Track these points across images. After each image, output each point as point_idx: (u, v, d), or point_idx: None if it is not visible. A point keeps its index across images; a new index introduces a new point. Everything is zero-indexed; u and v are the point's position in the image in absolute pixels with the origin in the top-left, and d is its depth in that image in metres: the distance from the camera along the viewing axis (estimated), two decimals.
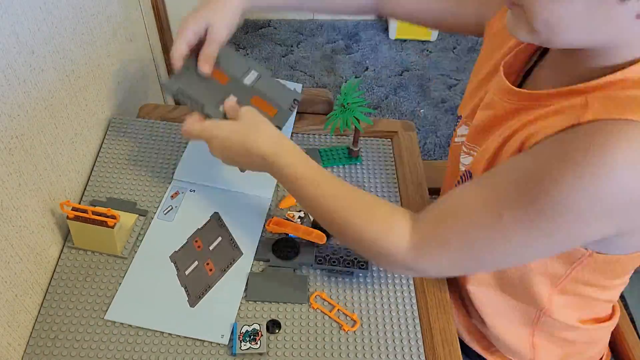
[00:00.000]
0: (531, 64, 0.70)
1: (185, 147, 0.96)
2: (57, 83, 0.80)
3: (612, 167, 0.49)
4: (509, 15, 0.58)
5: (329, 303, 0.77)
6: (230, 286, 0.78)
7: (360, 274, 0.80)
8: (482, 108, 0.71)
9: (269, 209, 0.88)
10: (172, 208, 0.86)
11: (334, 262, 0.80)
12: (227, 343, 0.72)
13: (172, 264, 0.80)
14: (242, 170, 0.73)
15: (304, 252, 0.81)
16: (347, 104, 0.85)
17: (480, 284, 0.76)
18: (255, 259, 0.81)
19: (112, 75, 1.01)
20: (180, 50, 0.75)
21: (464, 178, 0.72)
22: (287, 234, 0.83)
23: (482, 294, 0.77)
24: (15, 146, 0.68)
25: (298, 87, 1.01)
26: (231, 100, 0.73)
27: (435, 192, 0.74)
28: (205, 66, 0.76)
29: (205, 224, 0.85)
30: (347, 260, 0.80)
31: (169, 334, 0.73)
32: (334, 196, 0.65)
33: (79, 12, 0.86)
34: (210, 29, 0.75)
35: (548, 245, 0.57)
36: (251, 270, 0.80)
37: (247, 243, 0.83)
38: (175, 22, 1.41)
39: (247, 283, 0.78)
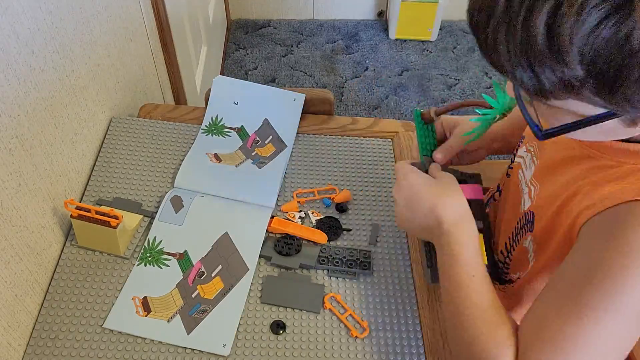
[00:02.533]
0: None
1: (187, 153, 0.96)
2: (57, 83, 0.80)
3: None
4: None
5: (343, 307, 0.77)
6: (233, 294, 0.77)
7: (366, 275, 0.80)
8: (555, 145, 0.70)
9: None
10: (175, 211, 0.85)
11: (336, 262, 0.80)
12: (228, 353, 0.71)
13: (176, 277, 0.78)
14: (407, 227, 0.72)
15: (306, 251, 0.81)
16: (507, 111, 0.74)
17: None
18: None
19: (112, 75, 1.01)
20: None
21: (527, 216, 0.71)
22: (288, 234, 0.83)
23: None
24: (15, 146, 0.68)
25: (300, 97, 1.00)
26: (435, 165, 0.74)
27: None
28: (439, 156, 0.77)
29: (211, 249, 0.81)
30: (349, 261, 0.80)
31: (169, 344, 0.72)
32: (477, 292, 0.63)
33: (79, 12, 0.86)
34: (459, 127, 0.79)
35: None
36: (267, 274, 0.79)
37: (251, 252, 0.81)
38: (175, 22, 1.41)
39: (262, 285, 0.78)
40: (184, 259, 0.80)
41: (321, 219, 0.86)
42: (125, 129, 0.98)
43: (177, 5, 1.44)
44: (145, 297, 0.75)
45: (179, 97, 1.50)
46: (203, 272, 0.78)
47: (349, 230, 0.86)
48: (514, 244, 0.76)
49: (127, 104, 1.10)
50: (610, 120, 0.48)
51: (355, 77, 2.35)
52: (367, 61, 2.43)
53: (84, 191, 0.88)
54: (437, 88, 2.31)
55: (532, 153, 0.76)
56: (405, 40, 2.54)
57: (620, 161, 0.59)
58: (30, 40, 0.71)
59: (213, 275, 0.78)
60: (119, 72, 1.05)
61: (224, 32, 2.47)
